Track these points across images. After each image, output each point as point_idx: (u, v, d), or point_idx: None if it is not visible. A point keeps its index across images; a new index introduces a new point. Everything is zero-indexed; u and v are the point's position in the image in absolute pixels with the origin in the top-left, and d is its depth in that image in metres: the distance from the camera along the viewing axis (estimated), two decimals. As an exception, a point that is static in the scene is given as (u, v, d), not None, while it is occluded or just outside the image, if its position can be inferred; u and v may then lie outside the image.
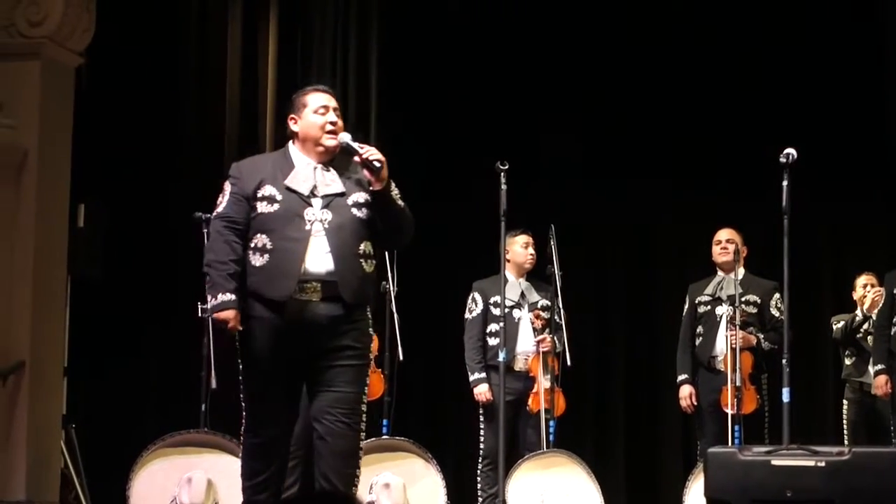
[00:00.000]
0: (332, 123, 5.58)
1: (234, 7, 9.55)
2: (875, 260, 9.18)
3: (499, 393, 8.14)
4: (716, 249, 8.45)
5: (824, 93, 9.81)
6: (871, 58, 9.85)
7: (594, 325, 10.09)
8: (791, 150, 6.63)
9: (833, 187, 9.66)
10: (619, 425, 10.10)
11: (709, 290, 8.44)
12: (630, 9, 10.03)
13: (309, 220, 5.45)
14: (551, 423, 8.13)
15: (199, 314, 7.67)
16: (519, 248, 8.37)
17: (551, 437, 8.11)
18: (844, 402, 9.19)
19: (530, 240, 8.41)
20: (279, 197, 5.46)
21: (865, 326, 8.93)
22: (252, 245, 5.46)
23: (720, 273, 8.46)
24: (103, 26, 7.07)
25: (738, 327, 7.97)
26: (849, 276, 9.40)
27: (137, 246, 8.96)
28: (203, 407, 7.61)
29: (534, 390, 8.17)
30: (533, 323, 8.28)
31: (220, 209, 5.56)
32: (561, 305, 8.25)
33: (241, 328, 5.44)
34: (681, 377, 8.44)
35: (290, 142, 5.66)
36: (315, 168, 5.55)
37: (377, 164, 5.44)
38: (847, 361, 9.15)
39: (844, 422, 9.15)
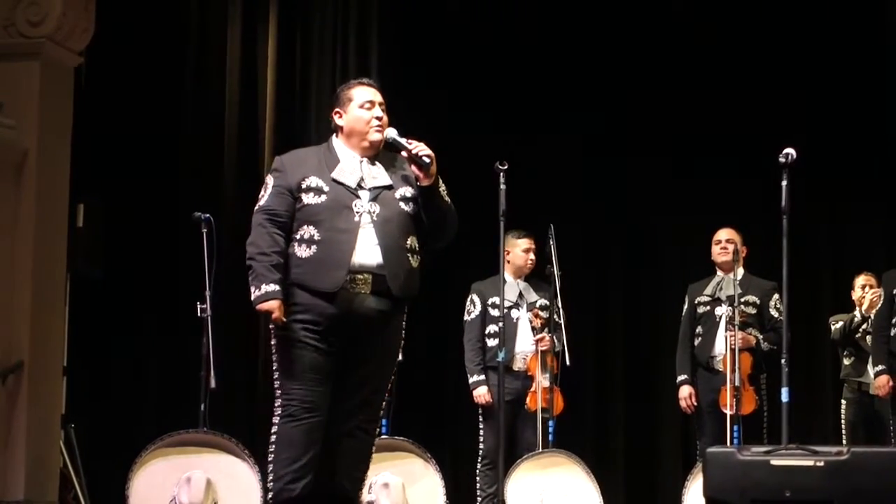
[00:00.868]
0: (378, 118, 5.55)
1: (233, 7, 9.56)
2: (874, 260, 9.18)
3: (496, 393, 8.16)
4: (715, 249, 8.46)
5: (824, 92, 9.81)
6: (873, 56, 9.85)
7: (593, 325, 10.09)
8: (790, 150, 6.62)
9: (832, 187, 9.67)
10: (619, 425, 10.10)
11: (708, 290, 8.45)
12: (630, 7, 10.04)
13: (357, 212, 5.42)
14: (550, 422, 8.14)
15: (199, 314, 7.67)
16: (520, 252, 8.39)
17: (550, 437, 8.11)
18: (843, 402, 9.19)
19: (532, 244, 8.42)
20: (326, 188, 5.44)
21: (864, 327, 8.93)
22: (298, 236, 5.43)
23: (719, 273, 8.47)
24: (102, 26, 7.07)
25: (737, 328, 7.97)
26: (848, 276, 9.40)
27: (137, 246, 8.96)
28: (202, 407, 7.60)
29: (532, 389, 8.18)
30: (532, 322, 8.29)
31: (262, 202, 5.54)
32: (560, 305, 8.25)
33: (284, 320, 5.38)
34: (680, 377, 8.45)
35: (334, 135, 5.64)
36: (361, 161, 5.53)
37: (427, 160, 5.41)
38: (846, 362, 9.15)
39: (843, 422, 9.16)
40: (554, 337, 8.25)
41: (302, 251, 5.42)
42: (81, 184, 7.33)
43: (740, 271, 8.35)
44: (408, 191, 5.53)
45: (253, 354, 9.03)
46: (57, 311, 6.84)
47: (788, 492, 5.29)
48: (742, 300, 8.17)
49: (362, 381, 5.48)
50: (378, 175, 5.53)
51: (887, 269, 8.50)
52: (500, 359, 7.36)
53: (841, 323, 9.12)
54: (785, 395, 6.52)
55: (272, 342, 5.53)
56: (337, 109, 5.66)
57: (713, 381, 8.24)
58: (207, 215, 7.84)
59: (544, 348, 8.20)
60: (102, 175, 8.56)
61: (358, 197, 5.45)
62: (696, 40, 9.97)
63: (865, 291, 8.97)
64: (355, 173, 5.50)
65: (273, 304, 5.36)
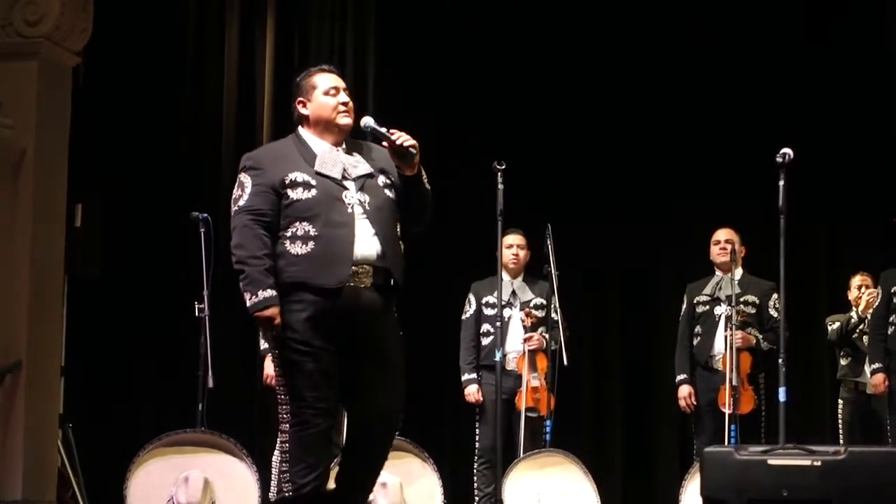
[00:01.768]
0: (344, 103, 5.44)
1: (231, 7, 9.56)
2: (871, 260, 9.19)
3: (489, 392, 8.20)
4: (714, 249, 8.46)
5: (821, 93, 9.82)
6: (870, 57, 9.85)
7: (591, 325, 10.10)
8: (788, 150, 6.63)
9: (829, 187, 9.68)
10: (616, 424, 10.11)
11: (707, 290, 8.45)
12: (627, 10, 10.04)
13: (349, 204, 5.26)
14: (548, 422, 8.15)
15: (196, 314, 7.68)
16: (503, 249, 8.37)
17: (548, 437, 8.12)
18: (840, 401, 9.20)
19: (516, 240, 8.40)
20: (313, 182, 5.27)
21: (861, 327, 8.93)
22: (290, 234, 5.23)
23: (718, 273, 8.48)
24: (101, 26, 7.07)
25: (736, 327, 7.98)
26: (845, 276, 9.41)
27: (135, 245, 8.97)
28: (200, 406, 7.61)
29: (520, 388, 8.20)
30: (523, 321, 8.30)
31: (242, 202, 5.29)
32: (558, 304, 8.26)
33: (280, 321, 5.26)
34: (679, 377, 8.45)
35: (300, 127, 5.50)
36: (338, 151, 5.40)
37: (412, 151, 5.28)
38: (842, 362, 9.16)
39: (840, 421, 9.16)
40: (545, 336, 8.27)
41: (297, 248, 5.24)
42: (79, 184, 7.32)
43: (739, 271, 8.36)
44: (388, 177, 5.40)
45: (251, 354, 9.02)
46: (55, 310, 6.83)
47: (786, 491, 5.30)
48: (741, 300, 8.19)
49: (374, 378, 5.32)
50: (358, 164, 5.38)
51: (884, 270, 8.51)
52: (496, 358, 7.39)
53: (838, 323, 9.13)
54: (782, 395, 6.53)
55: (273, 351, 5.40)
56: (300, 99, 5.52)
57: (712, 380, 8.25)
58: (205, 215, 7.85)
59: (532, 347, 8.21)
60: (100, 175, 8.56)
61: (346, 188, 5.29)
62: (696, 39, 9.97)
63: (862, 292, 8.98)
64: (337, 164, 5.34)
65: (274, 311, 5.21)
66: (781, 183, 6.60)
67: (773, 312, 8.24)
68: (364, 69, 9.68)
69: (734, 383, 7.91)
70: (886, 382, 8.21)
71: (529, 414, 8.15)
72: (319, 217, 5.24)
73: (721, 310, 8.28)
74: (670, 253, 10.04)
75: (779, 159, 6.64)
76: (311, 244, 5.24)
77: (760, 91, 9.89)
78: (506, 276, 8.35)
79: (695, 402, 8.37)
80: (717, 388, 8.10)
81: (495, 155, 7.28)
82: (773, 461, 5.35)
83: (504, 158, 7.24)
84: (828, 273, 9.95)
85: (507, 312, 8.27)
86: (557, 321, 8.34)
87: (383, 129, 5.35)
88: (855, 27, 9.85)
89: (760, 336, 8.22)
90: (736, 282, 8.19)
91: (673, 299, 8.82)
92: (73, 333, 7.51)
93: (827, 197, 9.69)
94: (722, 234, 8.47)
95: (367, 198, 5.31)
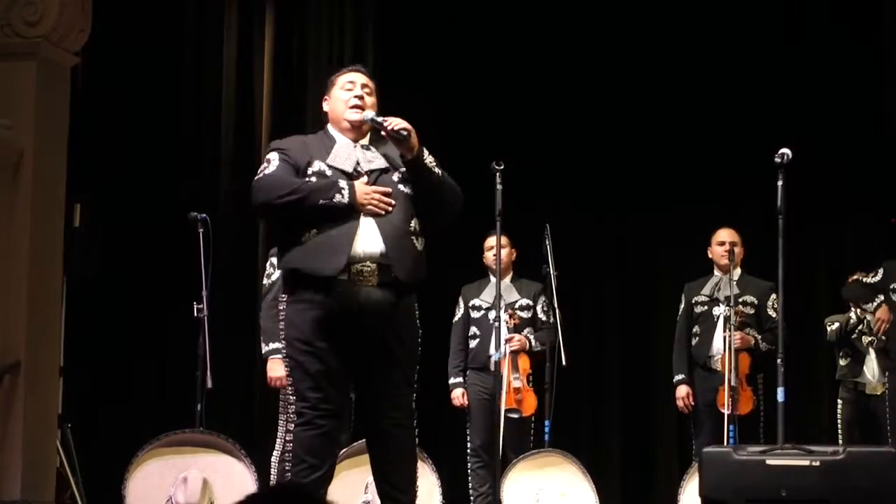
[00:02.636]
0: (358, 98, 5.44)
1: (229, 7, 9.56)
2: (870, 260, 9.17)
3: (477, 392, 8.22)
4: (719, 250, 8.41)
5: (820, 93, 9.82)
6: (868, 56, 9.86)
7: (590, 325, 10.10)
8: (786, 150, 6.63)
9: (828, 187, 9.67)
10: (615, 425, 10.11)
11: (706, 290, 8.44)
12: (626, 10, 10.04)
13: None
14: (546, 422, 8.16)
15: (195, 314, 7.68)
16: (486, 251, 8.42)
17: (546, 437, 8.13)
18: (839, 402, 9.19)
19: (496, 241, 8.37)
20: (329, 174, 5.31)
21: (860, 327, 8.93)
22: (297, 221, 5.28)
23: (717, 273, 8.47)
24: (99, 26, 7.06)
25: (734, 328, 7.98)
26: (844, 276, 9.40)
27: (134, 245, 8.97)
28: (199, 407, 7.61)
29: (504, 389, 8.20)
30: (507, 323, 8.30)
31: (267, 171, 5.33)
32: (556, 305, 8.26)
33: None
34: (677, 377, 8.45)
35: (328, 124, 5.56)
36: (355, 147, 5.43)
37: (404, 133, 5.26)
38: (842, 362, 9.15)
39: (839, 422, 9.16)
40: (529, 337, 8.29)
41: (300, 236, 5.26)
42: (78, 183, 7.32)
43: (737, 271, 8.35)
44: (405, 171, 5.39)
45: (249, 355, 9.03)
46: (53, 310, 6.82)
47: (784, 491, 5.30)
48: (740, 300, 8.18)
49: (383, 378, 5.33)
50: (374, 159, 5.41)
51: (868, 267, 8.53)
52: (495, 358, 7.40)
53: (837, 324, 9.11)
54: (781, 395, 6.53)
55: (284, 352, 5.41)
56: (325, 96, 5.60)
57: (710, 380, 8.25)
58: (204, 215, 7.85)
59: (514, 348, 8.21)
60: (99, 175, 8.56)
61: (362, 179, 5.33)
62: (695, 39, 9.97)
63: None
64: (351, 158, 5.38)
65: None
66: (780, 183, 6.60)
67: (771, 313, 8.23)
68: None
69: (733, 384, 7.90)
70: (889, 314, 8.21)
71: (511, 415, 8.14)
72: (330, 205, 5.26)
73: (720, 310, 8.28)
74: (669, 253, 10.04)
75: (777, 159, 6.64)
76: (312, 233, 5.25)
77: (758, 91, 9.89)
78: (493, 278, 8.37)
79: (693, 403, 8.37)
80: (716, 389, 8.10)
81: (493, 155, 7.28)
82: (771, 461, 5.36)
83: (502, 159, 7.24)
84: (826, 273, 9.95)
85: (492, 314, 8.28)
86: (548, 321, 8.36)
87: (380, 119, 5.36)
88: (852, 27, 9.85)
89: (759, 337, 8.21)
90: (734, 282, 8.19)
91: (671, 299, 8.81)
92: (71, 333, 7.50)
93: (825, 197, 9.68)
94: (726, 236, 8.44)
95: (383, 191, 5.31)
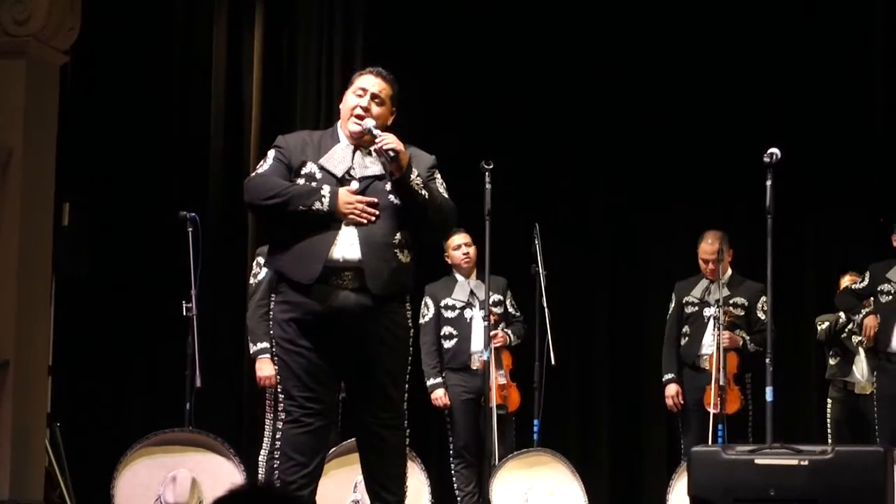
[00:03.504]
0: (363, 108, 5.40)
1: (219, 5, 9.55)
2: (858, 259, 9.19)
3: (458, 394, 8.21)
4: (701, 265, 8.38)
5: (809, 93, 9.84)
6: (857, 57, 9.88)
7: (579, 324, 10.10)
8: (775, 150, 6.64)
9: (817, 187, 9.69)
10: (603, 424, 10.11)
11: (696, 292, 8.43)
12: (617, 11, 10.04)
13: None
14: (535, 421, 8.16)
15: (184, 313, 7.67)
16: (451, 250, 8.35)
17: (535, 437, 8.13)
18: (829, 401, 9.21)
19: (463, 239, 8.32)
20: (318, 176, 5.32)
21: (850, 327, 8.94)
22: (285, 223, 5.31)
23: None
24: (88, 25, 7.05)
25: (723, 328, 7.98)
26: (832, 276, 9.43)
27: (122, 245, 8.95)
28: (188, 406, 7.61)
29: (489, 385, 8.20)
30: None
31: (260, 170, 5.40)
32: (545, 305, 8.25)
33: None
34: (667, 376, 8.45)
35: (338, 121, 5.54)
36: (355, 151, 5.40)
37: (391, 154, 5.24)
38: (831, 361, 9.17)
39: (828, 421, 9.18)
40: (508, 332, 8.28)
41: (285, 238, 5.31)
42: (67, 183, 7.31)
43: (728, 273, 8.35)
44: None
45: (238, 354, 9.02)
46: (42, 309, 6.81)
47: (773, 491, 5.31)
48: (730, 302, 8.18)
49: (368, 379, 5.35)
50: (370, 165, 5.38)
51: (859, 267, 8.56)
52: (485, 357, 7.39)
53: (827, 323, 9.13)
54: (769, 395, 6.54)
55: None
56: (345, 91, 5.58)
57: (698, 379, 8.26)
58: (193, 214, 7.84)
59: (497, 345, 8.19)
60: (88, 174, 8.55)
61: (347, 187, 5.32)
62: (683, 41, 9.98)
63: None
64: (344, 162, 5.37)
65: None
66: (769, 183, 6.61)
67: (760, 315, 8.22)
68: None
69: (721, 383, 7.91)
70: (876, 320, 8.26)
71: (498, 411, 8.14)
72: (309, 212, 5.27)
73: (710, 311, 8.27)
74: (658, 252, 10.05)
75: (766, 159, 6.65)
76: (295, 237, 5.29)
77: (747, 91, 9.90)
78: (460, 277, 8.38)
79: (682, 402, 8.38)
80: (704, 388, 8.11)
81: (482, 155, 7.28)
82: (760, 461, 5.37)
83: (492, 158, 7.24)
84: (815, 273, 9.96)
85: (468, 313, 8.27)
86: (517, 315, 8.36)
87: (377, 132, 5.34)
88: (842, 26, 9.87)
89: (748, 338, 8.21)
90: (725, 284, 8.19)
91: (661, 298, 8.82)
92: (60, 332, 7.49)
93: (814, 196, 9.70)
94: (707, 252, 8.32)
95: (367, 200, 5.30)
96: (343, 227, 5.27)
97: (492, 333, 8.15)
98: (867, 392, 8.84)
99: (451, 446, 8.35)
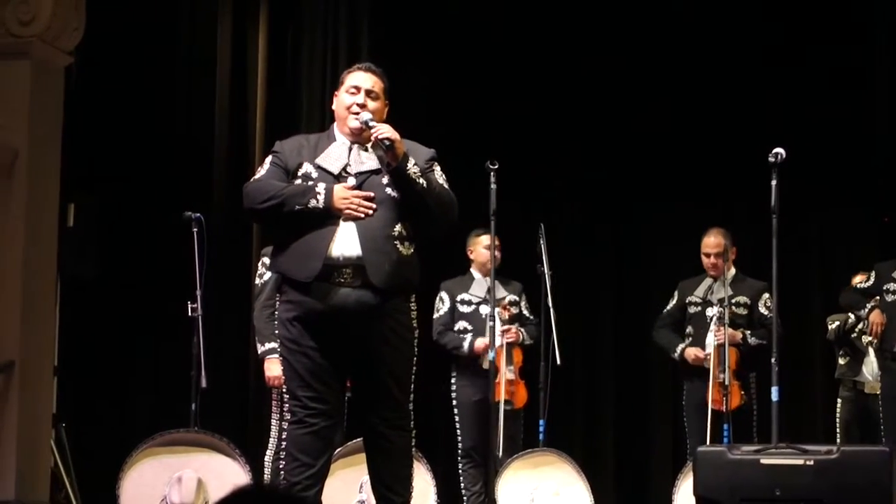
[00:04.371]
0: (359, 105, 5.40)
1: (224, 5, 9.55)
2: (863, 258, 9.18)
3: (468, 394, 8.22)
4: (705, 261, 8.37)
5: (814, 93, 9.83)
6: (860, 58, 9.87)
7: (584, 324, 10.10)
8: (780, 150, 6.64)
9: (822, 186, 9.68)
10: (609, 424, 10.11)
11: (699, 292, 8.42)
12: (622, 13, 10.04)
13: None
14: (541, 421, 8.16)
15: (189, 313, 7.68)
16: (482, 249, 8.38)
17: (541, 436, 8.12)
18: (839, 400, 9.19)
19: (496, 241, 8.37)
20: (315, 175, 5.32)
21: (860, 326, 8.93)
22: (285, 224, 5.32)
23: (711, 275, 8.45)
24: (93, 25, 7.06)
25: (726, 326, 7.97)
26: (836, 275, 9.42)
27: (128, 245, 8.96)
28: (193, 406, 7.61)
29: (496, 381, 8.20)
30: (500, 316, 8.30)
31: (256, 176, 5.45)
32: (551, 304, 8.25)
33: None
34: (678, 348, 8.35)
35: (334, 123, 5.56)
36: (351, 148, 5.40)
37: (386, 143, 5.23)
38: (841, 361, 9.15)
39: (837, 420, 9.16)
40: (521, 329, 8.29)
41: (286, 238, 5.33)
42: (72, 184, 7.32)
43: (731, 272, 8.34)
44: None
45: (244, 354, 9.03)
46: (48, 310, 6.82)
47: (778, 490, 5.31)
48: (733, 301, 8.17)
49: (372, 379, 5.33)
50: (367, 160, 5.38)
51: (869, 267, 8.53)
52: (490, 357, 7.39)
53: (837, 323, 9.12)
54: (775, 394, 6.53)
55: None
56: (335, 92, 5.59)
57: (703, 378, 8.24)
58: (198, 215, 7.85)
59: (510, 340, 8.21)
60: (93, 175, 8.55)
61: (343, 183, 5.32)
62: (688, 40, 9.98)
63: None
64: (341, 159, 5.37)
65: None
66: (774, 182, 6.61)
67: (763, 310, 8.23)
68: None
69: (722, 380, 7.91)
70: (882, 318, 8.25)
71: (504, 407, 8.14)
72: (305, 210, 5.28)
73: (712, 311, 8.26)
74: (663, 252, 10.05)
75: (771, 159, 6.65)
76: (295, 237, 5.30)
77: (752, 90, 9.90)
78: (478, 275, 8.42)
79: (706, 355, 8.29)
80: (706, 387, 8.10)
81: (487, 154, 7.28)
82: (765, 460, 5.37)
83: (497, 158, 7.24)
84: (819, 272, 9.95)
85: (483, 309, 8.27)
86: (531, 319, 8.38)
87: (373, 123, 5.35)
88: (844, 29, 9.86)
89: (748, 332, 8.20)
90: (728, 283, 8.18)
91: (666, 298, 8.81)
92: (65, 333, 7.50)
93: (818, 196, 9.69)
94: (712, 246, 8.32)
95: (363, 195, 5.30)
96: (341, 223, 5.27)
97: (505, 328, 8.16)
98: (877, 392, 8.83)
99: (459, 447, 8.35)
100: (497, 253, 8.32)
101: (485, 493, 8.00)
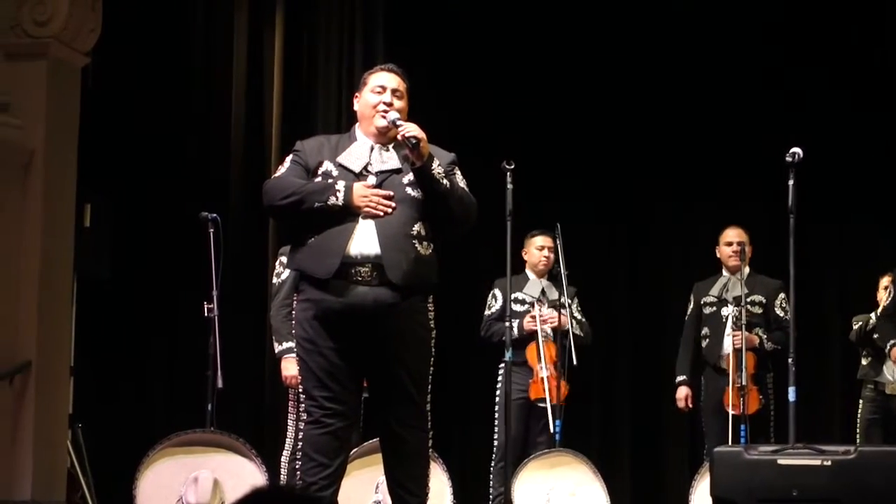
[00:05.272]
0: (386, 104, 5.41)
1: (240, 5, 9.56)
2: (880, 259, 9.16)
3: (512, 396, 8.21)
4: (727, 251, 8.37)
5: (831, 92, 9.80)
6: (878, 55, 9.84)
7: (600, 324, 10.07)
8: (797, 150, 6.63)
9: (839, 186, 9.66)
10: (625, 424, 10.10)
11: (714, 290, 8.42)
12: (635, 9, 10.03)
13: None
14: (557, 422, 8.14)
15: (206, 313, 7.68)
16: (534, 250, 8.49)
17: (557, 437, 8.11)
18: (860, 401, 9.14)
19: (547, 242, 8.46)
20: (335, 173, 5.33)
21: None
22: (304, 222, 5.32)
23: (725, 273, 8.45)
24: (109, 26, 7.07)
25: (743, 328, 7.96)
26: (853, 275, 9.40)
27: (144, 245, 8.97)
28: (209, 406, 7.61)
29: (531, 379, 8.21)
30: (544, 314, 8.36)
31: (277, 174, 5.47)
32: (568, 304, 8.25)
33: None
34: (679, 378, 8.47)
35: (356, 124, 5.55)
36: (373, 147, 5.41)
37: (413, 141, 5.23)
38: (864, 362, 9.10)
39: (858, 421, 9.13)
40: (574, 323, 8.30)
41: (305, 237, 5.32)
42: (88, 184, 7.33)
43: (746, 270, 8.33)
44: None
45: (260, 354, 9.03)
46: (64, 311, 6.84)
47: (795, 491, 5.29)
48: (748, 300, 8.16)
49: (389, 379, 5.33)
50: (388, 160, 5.39)
51: (893, 268, 8.48)
52: (507, 358, 7.39)
53: (860, 323, 9.08)
54: (792, 395, 6.52)
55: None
56: (356, 93, 5.59)
57: (720, 381, 8.25)
58: (214, 215, 7.85)
59: (555, 324, 8.24)
60: (109, 175, 8.57)
61: (363, 181, 5.32)
62: (702, 38, 9.96)
63: (888, 293, 8.91)
64: (362, 158, 5.37)
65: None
66: (791, 182, 6.59)
67: (779, 312, 8.23)
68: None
69: (739, 384, 7.90)
70: None
71: (540, 404, 8.15)
72: (325, 207, 5.28)
73: (728, 311, 8.26)
74: (679, 252, 10.04)
75: (788, 159, 6.64)
76: (314, 234, 5.30)
77: (769, 90, 9.88)
78: (533, 276, 8.51)
79: (690, 406, 8.40)
80: (724, 389, 8.10)
81: (504, 155, 7.28)
82: (783, 461, 5.35)
83: (513, 158, 7.24)
84: (836, 272, 9.93)
85: (536, 310, 8.33)
86: (581, 320, 8.43)
87: (400, 123, 5.36)
88: (859, 28, 9.84)
89: (765, 336, 8.19)
90: (743, 282, 8.16)
91: (682, 299, 8.80)
92: (82, 333, 7.51)
93: (835, 196, 9.67)
94: (734, 236, 8.39)
95: (383, 194, 5.30)
96: (360, 220, 5.27)
97: (543, 315, 8.17)
98: (897, 392, 8.81)
99: (496, 444, 8.32)
100: (549, 254, 8.39)
101: (504, 494, 8.00)
